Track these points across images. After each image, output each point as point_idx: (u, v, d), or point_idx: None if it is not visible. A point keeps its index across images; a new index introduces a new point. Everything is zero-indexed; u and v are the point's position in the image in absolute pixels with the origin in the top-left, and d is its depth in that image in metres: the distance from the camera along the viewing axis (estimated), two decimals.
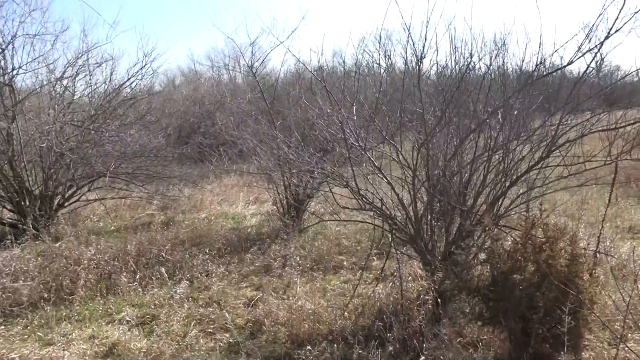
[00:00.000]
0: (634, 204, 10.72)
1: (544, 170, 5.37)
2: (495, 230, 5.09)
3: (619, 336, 4.11)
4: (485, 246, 4.46)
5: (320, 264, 6.95)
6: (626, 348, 4.11)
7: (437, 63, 5.54)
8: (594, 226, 9.15)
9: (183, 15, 59.49)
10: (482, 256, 4.49)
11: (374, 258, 6.89)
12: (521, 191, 5.18)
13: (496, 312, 4.07)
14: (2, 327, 5.05)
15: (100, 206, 10.12)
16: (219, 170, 13.10)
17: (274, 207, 9.30)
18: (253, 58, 8.74)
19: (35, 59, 8.12)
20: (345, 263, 7.03)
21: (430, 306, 4.94)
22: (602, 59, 4.93)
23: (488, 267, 4.17)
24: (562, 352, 3.99)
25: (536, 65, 4.99)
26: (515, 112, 5.76)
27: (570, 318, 3.90)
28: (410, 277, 6.15)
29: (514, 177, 5.26)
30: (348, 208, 5.78)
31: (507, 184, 5.30)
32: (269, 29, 11.87)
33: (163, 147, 9.77)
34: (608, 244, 7.44)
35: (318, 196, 8.92)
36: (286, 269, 6.53)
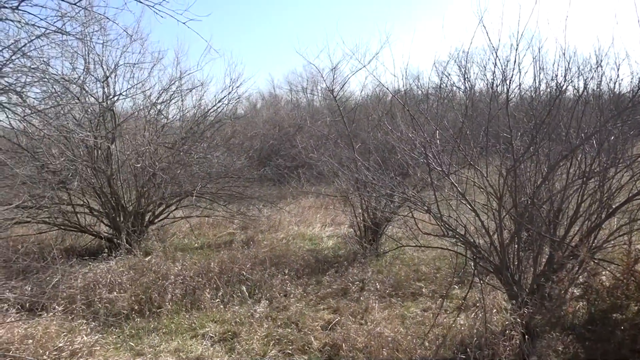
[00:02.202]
0: None
1: None
2: (592, 263, 4.76)
3: None
4: (580, 281, 4.15)
5: (398, 289, 6.81)
6: None
7: (520, 85, 5.31)
8: None
9: (265, 41, 62.03)
10: (577, 292, 4.19)
11: (455, 287, 6.65)
12: (621, 222, 4.79)
13: (594, 354, 3.76)
14: (100, 335, 5.40)
15: (186, 224, 10.63)
16: (297, 192, 13.36)
17: (351, 229, 9.29)
18: (334, 82, 8.89)
19: (134, 85, 8.81)
20: (424, 290, 6.84)
21: (517, 341, 4.68)
22: None
23: (584, 303, 3.87)
24: None
25: (638, 88, 4.65)
26: (613, 138, 5.41)
27: None
28: (494, 310, 5.88)
29: (612, 207, 4.89)
30: (430, 234, 5.64)
31: (603, 214, 4.94)
32: (352, 53, 12.09)
33: (245, 168, 10.14)
34: None
35: (397, 220, 8.80)
36: (364, 293, 6.47)
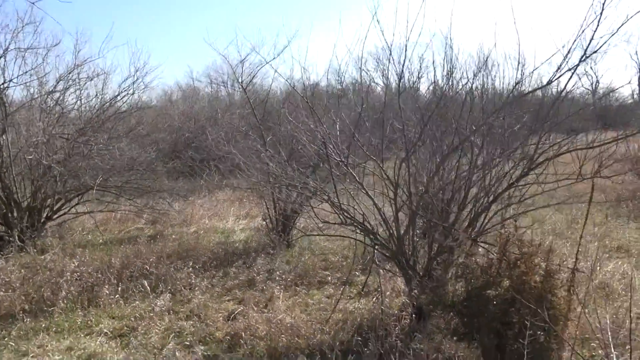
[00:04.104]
0: (624, 223, 10.76)
1: (522, 188, 5.44)
2: (470, 246, 5.14)
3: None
4: (460, 262, 4.47)
5: (305, 278, 6.94)
6: None
7: (411, 83, 5.59)
8: (582, 245, 9.20)
9: (183, 33, 60.22)
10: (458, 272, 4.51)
11: (357, 273, 6.89)
12: (498, 208, 5.22)
13: (471, 327, 4.07)
14: None
15: (91, 219, 10.12)
16: (212, 185, 13.14)
17: (264, 222, 9.31)
18: (243, 74, 8.84)
19: (26, 72, 8.20)
20: (329, 278, 7.02)
21: (408, 321, 4.96)
22: (598, 81, 5.04)
23: (462, 282, 4.18)
24: None
25: (514, 86, 5.08)
26: (500, 130, 5.86)
27: (544, 334, 3.92)
28: (394, 294, 6.17)
29: (494, 195, 5.31)
30: (328, 222, 5.80)
31: (487, 201, 5.35)
32: (257, 49, 11.87)
33: (154, 161, 9.81)
34: (591, 262, 7.48)
35: (308, 211, 8.94)
36: (269, 283, 6.53)
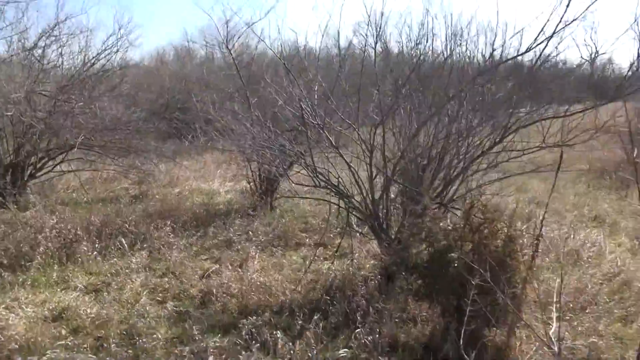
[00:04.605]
0: (605, 194, 10.90)
1: (497, 155, 5.51)
2: (444, 212, 5.24)
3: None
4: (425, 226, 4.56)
5: (283, 240, 7.06)
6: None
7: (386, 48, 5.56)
8: (560, 214, 9.36)
9: None
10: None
11: (331, 235, 7.00)
12: (467, 175, 5.29)
13: (432, 288, 4.20)
14: None
15: (76, 178, 10.13)
16: (201, 147, 13.12)
17: (248, 185, 9.37)
18: (228, 36, 8.70)
19: (6, 26, 8.05)
20: (308, 240, 7.14)
21: (375, 282, 5.09)
22: (597, 52, 5.03)
23: (426, 245, 4.28)
24: (492, 329, 4.16)
25: (490, 55, 5.07)
26: (480, 99, 5.86)
27: (502, 297, 4.04)
28: (369, 257, 6.29)
29: (467, 162, 5.37)
30: (302, 184, 5.87)
31: (459, 168, 5.41)
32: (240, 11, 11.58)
33: (138, 121, 9.75)
34: (567, 230, 7.63)
35: (292, 175, 8.99)
36: (247, 243, 6.64)
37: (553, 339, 3.24)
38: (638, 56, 4.52)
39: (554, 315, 3.53)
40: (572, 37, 4.89)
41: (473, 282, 4.04)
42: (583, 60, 5.76)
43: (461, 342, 3.88)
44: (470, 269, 4.14)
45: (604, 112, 5.98)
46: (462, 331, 4.08)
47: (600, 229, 7.90)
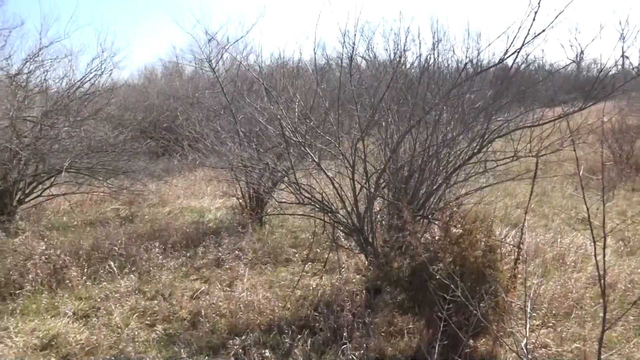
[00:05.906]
0: (593, 195, 10.98)
1: (474, 166, 5.60)
2: (428, 224, 5.32)
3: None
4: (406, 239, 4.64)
5: (272, 256, 7.11)
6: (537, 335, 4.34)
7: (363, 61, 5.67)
8: (547, 217, 9.47)
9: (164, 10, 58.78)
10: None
11: (318, 250, 7.06)
12: (444, 187, 5.37)
13: (414, 301, 4.26)
14: None
15: (66, 202, 10.15)
16: (190, 165, 13.17)
17: (238, 201, 9.42)
18: (211, 54, 8.82)
19: None
20: (297, 256, 7.19)
21: (362, 297, 5.15)
22: (582, 52, 5.13)
23: (408, 259, 4.35)
24: (475, 339, 4.23)
25: (464, 65, 5.17)
26: (460, 109, 5.95)
27: (484, 306, 4.11)
28: (357, 271, 6.36)
29: (446, 174, 5.46)
30: (285, 202, 5.93)
31: (438, 180, 5.50)
32: (214, 35, 11.51)
33: (126, 141, 9.81)
34: (553, 234, 7.73)
35: (280, 191, 9.05)
36: (236, 261, 6.68)
37: (525, 350, 3.33)
38: (622, 55, 4.62)
39: (527, 325, 3.60)
40: (556, 38, 4.99)
41: (447, 297, 4.13)
42: (569, 61, 5.87)
43: (448, 353, 3.97)
44: (451, 281, 4.23)
45: (586, 113, 6.07)
46: (446, 343, 4.16)
47: (586, 232, 7.99)
